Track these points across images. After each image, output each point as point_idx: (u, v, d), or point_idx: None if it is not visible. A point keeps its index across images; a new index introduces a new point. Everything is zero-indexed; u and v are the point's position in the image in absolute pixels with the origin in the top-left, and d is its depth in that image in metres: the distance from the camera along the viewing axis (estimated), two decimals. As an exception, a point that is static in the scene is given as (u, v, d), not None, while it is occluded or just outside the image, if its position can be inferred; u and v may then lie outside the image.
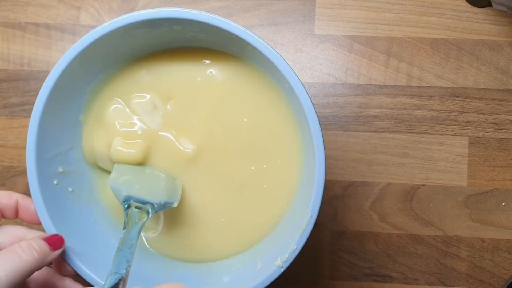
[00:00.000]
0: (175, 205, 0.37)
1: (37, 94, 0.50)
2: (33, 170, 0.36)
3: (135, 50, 0.39)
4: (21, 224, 0.50)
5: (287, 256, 0.35)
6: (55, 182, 0.37)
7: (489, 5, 0.48)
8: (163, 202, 0.36)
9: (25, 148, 0.49)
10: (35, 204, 0.36)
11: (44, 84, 0.36)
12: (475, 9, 0.48)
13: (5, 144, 0.50)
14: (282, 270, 0.35)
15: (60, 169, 0.38)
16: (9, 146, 0.50)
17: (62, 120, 0.38)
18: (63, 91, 0.37)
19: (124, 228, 0.34)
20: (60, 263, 0.37)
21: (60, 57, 0.36)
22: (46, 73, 0.50)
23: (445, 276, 0.47)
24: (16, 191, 0.39)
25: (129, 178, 0.37)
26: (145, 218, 0.35)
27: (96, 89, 0.40)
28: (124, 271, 0.31)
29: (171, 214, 0.40)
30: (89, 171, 0.40)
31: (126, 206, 0.35)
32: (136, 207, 0.35)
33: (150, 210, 0.35)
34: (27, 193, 0.37)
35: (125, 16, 0.35)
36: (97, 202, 0.40)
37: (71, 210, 0.38)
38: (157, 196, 0.36)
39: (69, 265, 0.36)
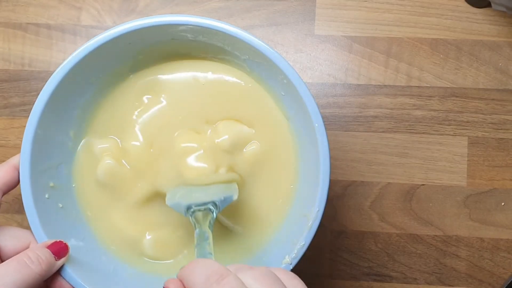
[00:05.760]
0: (236, 197, 0.37)
1: (38, 95, 0.50)
2: (27, 182, 0.36)
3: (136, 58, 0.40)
4: (24, 227, 0.50)
5: (295, 252, 0.35)
6: (46, 196, 0.37)
7: (488, 5, 0.48)
8: (223, 198, 0.36)
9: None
10: (28, 217, 0.36)
11: (46, 85, 0.37)
12: (475, 10, 0.48)
13: (6, 144, 0.50)
14: (291, 267, 0.35)
15: (51, 184, 0.38)
16: (10, 146, 0.50)
17: (54, 132, 0.38)
18: (60, 99, 0.37)
19: (195, 229, 0.34)
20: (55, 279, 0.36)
21: (61, 57, 0.36)
22: (47, 73, 0.50)
23: (444, 275, 0.47)
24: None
25: (185, 192, 0.38)
26: (210, 215, 0.35)
27: (89, 103, 0.40)
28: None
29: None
30: (74, 190, 0.40)
31: (190, 213, 0.36)
32: (199, 210, 0.35)
33: (213, 208, 0.36)
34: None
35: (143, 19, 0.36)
36: (85, 222, 0.40)
37: (63, 226, 0.38)
38: (214, 195, 0.37)
39: (65, 280, 0.35)
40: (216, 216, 0.36)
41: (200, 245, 0.33)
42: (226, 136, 0.39)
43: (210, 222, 0.35)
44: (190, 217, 0.35)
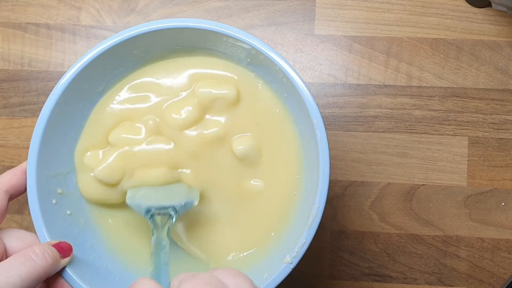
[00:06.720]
0: (196, 202, 0.37)
1: (37, 94, 0.50)
2: (33, 185, 0.36)
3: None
4: (24, 227, 0.50)
5: (296, 251, 0.34)
6: (54, 201, 0.37)
7: (488, 5, 0.48)
8: (183, 203, 0.37)
9: (25, 148, 0.50)
10: (33, 219, 0.35)
11: (56, 87, 0.37)
12: (475, 9, 0.48)
13: (6, 144, 0.50)
14: (292, 267, 0.35)
15: (59, 190, 0.38)
16: (9, 146, 0.50)
17: (63, 139, 0.38)
18: (68, 105, 0.37)
19: (153, 234, 0.34)
20: (58, 283, 0.36)
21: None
22: (46, 73, 0.50)
23: (444, 276, 0.47)
24: None
25: (145, 192, 0.38)
26: (169, 221, 0.36)
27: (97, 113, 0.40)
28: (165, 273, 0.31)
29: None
30: (85, 200, 0.40)
31: (149, 216, 0.36)
32: (159, 214, 0.36)
33: (173, 213, 0.36)
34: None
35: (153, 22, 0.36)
36: (94, 229, 0.40)
37: (69, 232, 0.37)
38: (175, 199, 0.37)
39: (68, 283, 0.35)
40: (174, 222, 0.36)
41: (156, 254, 0.32)
42: (241, 147, 0.39)
43: (168, 228, 0.35)
44: (149, 220, 0.35)
